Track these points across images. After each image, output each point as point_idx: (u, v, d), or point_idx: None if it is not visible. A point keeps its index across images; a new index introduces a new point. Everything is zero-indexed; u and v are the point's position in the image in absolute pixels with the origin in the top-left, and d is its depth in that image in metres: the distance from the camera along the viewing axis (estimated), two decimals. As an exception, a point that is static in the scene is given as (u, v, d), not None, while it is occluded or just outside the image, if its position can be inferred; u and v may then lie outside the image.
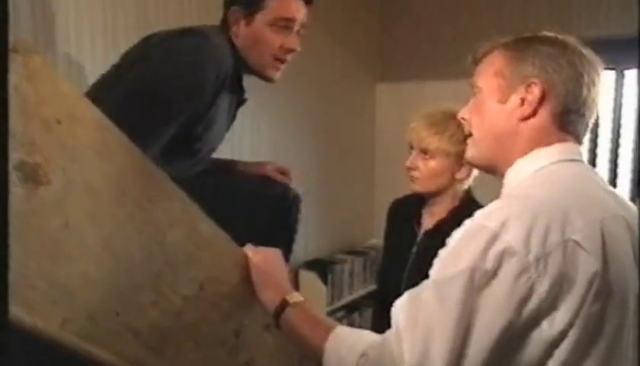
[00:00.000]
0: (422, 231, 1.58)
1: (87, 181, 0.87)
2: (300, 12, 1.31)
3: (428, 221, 1.58)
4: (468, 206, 1.52)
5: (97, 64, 1.65)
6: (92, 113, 0.89)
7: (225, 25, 1.32)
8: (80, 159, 0.87)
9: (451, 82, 3.33)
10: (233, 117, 1.48)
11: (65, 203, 0.85)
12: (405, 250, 1.58)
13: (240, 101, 1.46)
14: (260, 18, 1.27)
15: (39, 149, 0.81)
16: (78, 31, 1.75)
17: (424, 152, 1.51)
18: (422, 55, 3.43)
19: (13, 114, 0.79)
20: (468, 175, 1.53)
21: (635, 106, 2.69)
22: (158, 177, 0.99)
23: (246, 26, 1.28)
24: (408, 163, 1.55)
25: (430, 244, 1.53)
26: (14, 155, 0.79)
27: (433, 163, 1.50)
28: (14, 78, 0.79)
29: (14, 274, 0.80)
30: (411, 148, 1.55)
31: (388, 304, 1.57)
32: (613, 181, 2.80)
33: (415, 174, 1.53)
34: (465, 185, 1.56)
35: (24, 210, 0.81)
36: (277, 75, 1.35)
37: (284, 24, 1.28)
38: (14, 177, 0.79)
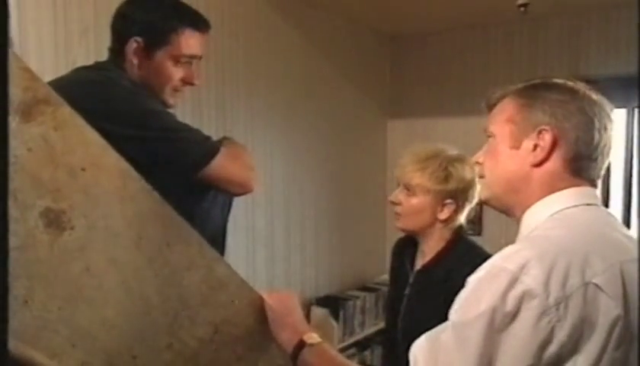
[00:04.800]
0: (414, 271, 1.58)
1: (108, 227, 0.90)
2: (201, 47, 1.30)
3: (420, 261, 1.57)
4: (456, 246, 1.51)
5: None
6: (115, 160, 0.92)
7: (119, 54, 1.27)
8: (102, 205, 0.89)
9: (460, 119, 3.39)
10: None
11: (86, 248, 0.87)
12: (401, 290, 1.58)
13: None
14: (162, 52, 1.25)
15: (64, 196, 0.84)
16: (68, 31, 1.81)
17: (407, 187, 1.52)
18: (431, 93, 3.48)
19: (41, 163, 0.83)
20: (452, 216, 1.51)
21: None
22: (177, 221, 1.01)
23: (146, 58, 1.25)
24: (391, 197, 1.56)
25: (420, 285, 1.52)
26: (40, 202, 0.82)
27: (414, 200, 1.50)
28: (42, 128, 0.82)
29: (36, 319, 0.82)
30: (398, 183, 1.57)
31: (392, 342, 1.58)
32: (627, 218, 2.79)
33: (398, 209, 1.54)
34: (454, 225, 1.53)
35: (47, 255, 0.83)
36: (176, 102, 1.33)
37: (186, 60, 1.28)
38: (38, 223, 0.82)
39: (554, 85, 0.97)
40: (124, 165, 0.93)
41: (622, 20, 2.80)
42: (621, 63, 2.76)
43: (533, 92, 0.97)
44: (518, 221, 0.99)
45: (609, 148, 0.96)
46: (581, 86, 0.97)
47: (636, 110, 2.76)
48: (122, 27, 1.27)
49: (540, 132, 0.93)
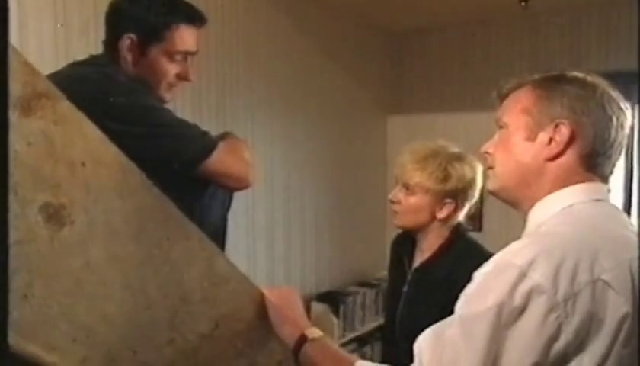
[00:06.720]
0: (412, 269, 1.57)
1: (108, 222, 0.90)
2: (196, 43, 1.29)
3: (418, 259, 1.57)
4: (454, 244, 1.50)
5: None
6: (115, 155, 0.91)
7: (113, 49, 1.25)
8: (102, 200, 0.89)
9: (460, 115, 3.39)
10: None
11: (87, 243, 0.87)
12: (399, 287, 1.57)
13: None
14: (157, 49, 1.23)
15: (64, 191, 0.84)
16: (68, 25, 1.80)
17: (406, 186, 1.50)
18: (432, 88, 3.48)
19: (41, 157, 0.82)
20: (451, 215, 1.50)
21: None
22: (177, 216, 1.01)
23: (140, 55, 1.23)
24: (390, 196, 1.55)
25: (419, 283, 1.52)
26: (40, 197, 0.82)
27: (413, 199, 1.49)
28: (42, 122, 0.82)
29: (36, 314, 0.82)
30: (397, 182, 1.56)
31: (391, 339, 1.58)
32: (628, 212, 2.79)
33: (396, 208, 1.53)
34: (453, 223, 1.53)
35: (47, 250, 0.83)
36: (172, 98, 1.32)
37: (181, 56, 1.27)
38: (38, 218, 0.82)
39: (575, 79, 0.94)
40: (124, 159, 0.93)
41: (623, 16, 2.79)
42: (622, 59, 2.75)
43: (553, 84, 0.95)
44: (525, 214, 0.97)
45: (624, 145, 0.94)
46: (601, 81, 0.94)
47: (637, 107, 2.75)
48: (115, 23, 1.25)
49: (557, 126, 0.91)
